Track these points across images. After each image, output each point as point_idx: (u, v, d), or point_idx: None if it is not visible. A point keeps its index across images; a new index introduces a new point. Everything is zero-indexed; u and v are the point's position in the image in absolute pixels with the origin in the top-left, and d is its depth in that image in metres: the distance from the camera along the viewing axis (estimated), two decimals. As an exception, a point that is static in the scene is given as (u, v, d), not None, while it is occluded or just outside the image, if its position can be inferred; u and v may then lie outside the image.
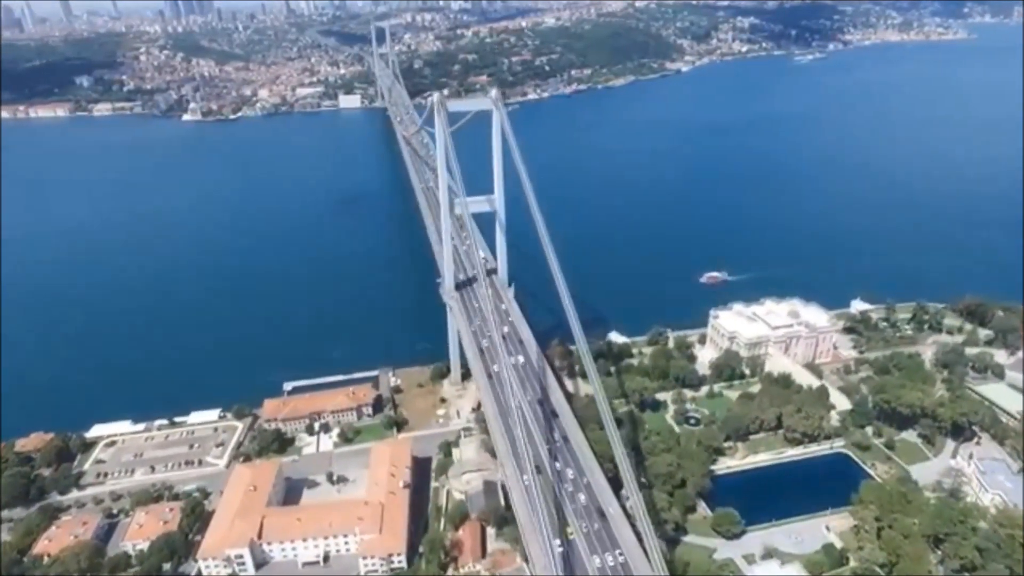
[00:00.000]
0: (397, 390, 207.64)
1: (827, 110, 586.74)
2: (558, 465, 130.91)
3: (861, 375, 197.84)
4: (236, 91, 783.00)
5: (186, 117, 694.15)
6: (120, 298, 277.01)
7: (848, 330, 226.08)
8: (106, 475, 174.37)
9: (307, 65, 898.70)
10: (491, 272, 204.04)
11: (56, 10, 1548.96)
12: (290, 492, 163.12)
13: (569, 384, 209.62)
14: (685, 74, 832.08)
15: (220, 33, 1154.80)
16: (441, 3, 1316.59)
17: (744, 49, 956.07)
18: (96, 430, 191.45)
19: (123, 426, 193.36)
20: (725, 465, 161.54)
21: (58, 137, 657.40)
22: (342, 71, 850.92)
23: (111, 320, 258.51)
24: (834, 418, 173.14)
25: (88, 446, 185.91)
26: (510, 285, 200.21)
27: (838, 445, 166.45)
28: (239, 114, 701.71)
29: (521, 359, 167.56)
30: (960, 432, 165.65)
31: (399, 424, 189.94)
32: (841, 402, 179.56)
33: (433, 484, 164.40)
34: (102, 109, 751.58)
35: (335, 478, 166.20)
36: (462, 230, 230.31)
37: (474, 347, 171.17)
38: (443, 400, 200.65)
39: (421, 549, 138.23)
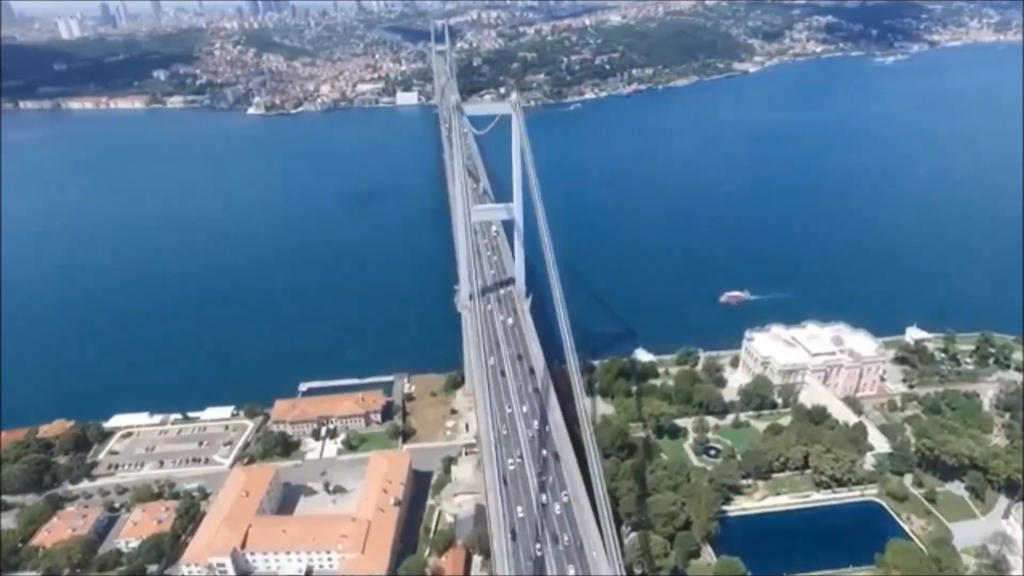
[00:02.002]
0: (409, 397, 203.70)
1: (898, 117, 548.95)
2: (544, 497, 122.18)
3: (907, 413, 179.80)
4: (300, 87, 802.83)
5: (250, 111, 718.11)
6: (153, 291, 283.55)
7: (900, 360, 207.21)
8: (117, 467, 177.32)
9: (370, 61, 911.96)
10: (509, 282, 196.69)
11: (147, 7, 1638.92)
12: (286, 499, 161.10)
13: (586, 402, 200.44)
14: (752, 75, 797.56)
15: (292, 29, 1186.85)
16: (508, 1, 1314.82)
17: (819, 49, 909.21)
18: (115, 420, 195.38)
19: (140, 418, 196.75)
20: (740, 506, 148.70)
21: (125, 128, 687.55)
22: (403, 68, 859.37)
23: (142, 312, 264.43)
24: (869, 461, 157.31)
25: (106, 436, 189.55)
26: (528, 296, 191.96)
27: (870, 493, 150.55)
28: (300, 109, 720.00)
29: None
30: (1016, 489, 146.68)
31: (405, 434, 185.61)
32: (880, 443, 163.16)
33: (429, 501, 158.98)
34: (175, 101, 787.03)
35: (332, 487, 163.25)
36: (489, 237, 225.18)
37: (480, 361, 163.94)
38: (454, 411, 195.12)
39: (401, 572, 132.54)
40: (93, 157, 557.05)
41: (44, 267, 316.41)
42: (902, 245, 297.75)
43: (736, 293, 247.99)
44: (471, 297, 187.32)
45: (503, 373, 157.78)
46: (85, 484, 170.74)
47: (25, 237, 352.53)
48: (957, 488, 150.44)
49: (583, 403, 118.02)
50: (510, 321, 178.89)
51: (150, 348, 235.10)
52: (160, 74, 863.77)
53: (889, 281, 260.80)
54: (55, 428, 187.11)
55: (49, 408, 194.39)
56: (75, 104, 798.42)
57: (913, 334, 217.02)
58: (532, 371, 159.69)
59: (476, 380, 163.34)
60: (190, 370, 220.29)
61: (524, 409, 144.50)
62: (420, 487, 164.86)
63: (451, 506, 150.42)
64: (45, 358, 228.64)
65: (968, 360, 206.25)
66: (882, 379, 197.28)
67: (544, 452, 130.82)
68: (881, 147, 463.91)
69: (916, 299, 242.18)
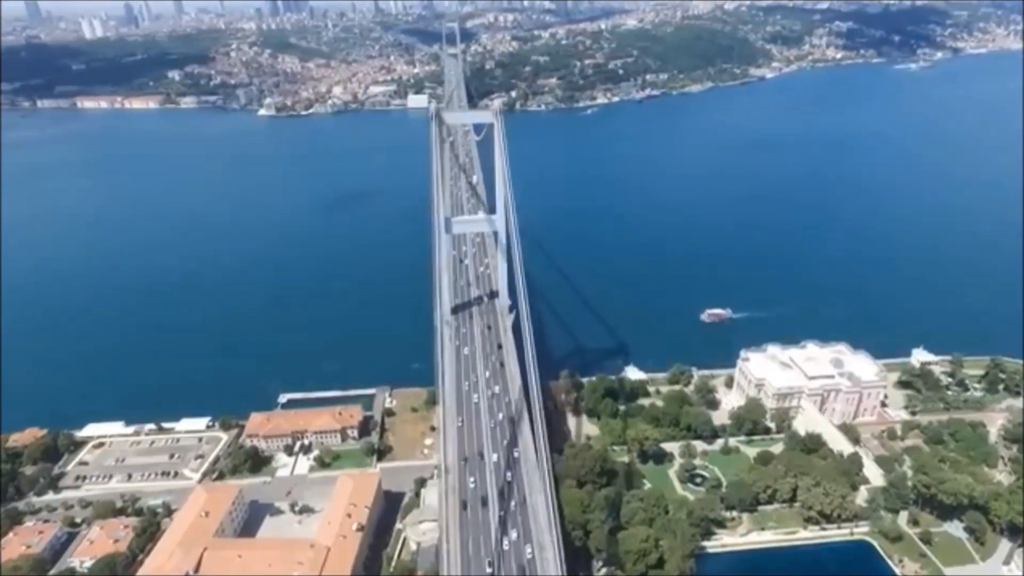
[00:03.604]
0: (390, 412, 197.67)
1: (915, 126, 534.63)
2: (507, 532, 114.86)
3: (908, 443, 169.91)
4: (312, 88, 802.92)
5: (260, 112, 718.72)
6: (139, 296, 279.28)
7: (904, 384, 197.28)
8: (84, 479, 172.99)
9: (385, 64, 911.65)
10: (492, 296, 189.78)
11: (170, 8, 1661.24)
12: (251, 518, 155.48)
13: (572, 422, 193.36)
14: (769, 81, 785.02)
15: (310, 31, 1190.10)
16: (526, 3, 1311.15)
17: (839, 56, 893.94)
18: (89, 429, 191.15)
19: (115, 427, 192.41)
20: (721, 542, 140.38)
21: (131, 127, 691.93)
22: (416, 70, 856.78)
23: (127, 317, 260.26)
24: (863, 496, 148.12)
25: (78, 446, 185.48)
26: (511, 311, 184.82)
27: (861, 531, 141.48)
28: (310, 110, 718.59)
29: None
30: (1019, 532, 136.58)
31: (381, 452, 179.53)
32: (876, 476, 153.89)
33: (397, 526, 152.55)
34: (188, 102, 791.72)
35: (298, 508, 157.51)
36: (478, 249, 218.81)
37: (452, 380, 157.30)
38: (433, 428, 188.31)
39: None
40: (90, 158, 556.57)
41: (29, 270, 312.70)
42: (911, 260, 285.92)
43: (718, 311, 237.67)
44: (456, 309, 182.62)
45: (476, 391, 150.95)
46: (50, 497, 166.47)
47: (10, 241, 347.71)
48: (956, 528, 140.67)
49: (538, 417, 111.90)
50: (489, 336, 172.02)
51: (133, 355, 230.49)
52: (175, 74, 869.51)
53: (897, 299, 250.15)
54: (26, 436, 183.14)
55: (27, 415, 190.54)
56: (90, 103, 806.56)
57: (919, 356, 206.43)
58: (508, 391, 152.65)
59: (443, 403, 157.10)
60: (172, 378, 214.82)
61: (494, 438, 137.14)
62: (392, 509, 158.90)
63: (415, 533, 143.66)
64: (27, 364, 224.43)
65: (977, 386, 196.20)
66: (883, 404, 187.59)
67: (512, 481, 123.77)
68: (893, 157, 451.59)
69: (924, 319, 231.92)
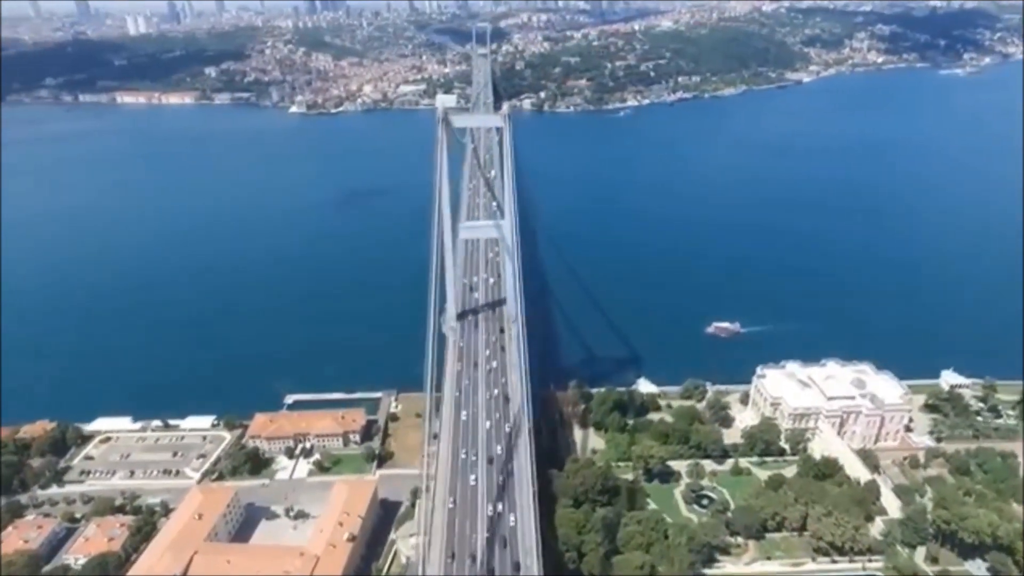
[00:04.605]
0: (394, 417, 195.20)
1: (952, 133, 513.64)
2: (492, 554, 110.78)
3: (931, 472, 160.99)
4: (343, 86, 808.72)
5: (292, 109, 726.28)
6: (153, 292, 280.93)
7: (930, 408, 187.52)
8: (89, 473, 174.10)
9: (417, 63, 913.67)
10: (499, 303, 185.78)
11: (212, 6, 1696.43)
12: (246, 522, 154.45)
13: (579, 435, 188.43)
14: (805, 85, 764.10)
15: (344, 29, 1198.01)
16: (560, 3, 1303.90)
17: (880, 60, 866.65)
18: (97, 424, 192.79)
19: (123, 423, 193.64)
20: (723, 570, 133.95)
21: (162, 123, 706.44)
22: (447, 70, 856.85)
23: (141, 313, 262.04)
24: (878, 527, 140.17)
25: (86, 440, 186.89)
26: (515, 320, 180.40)
27: (874, 566, 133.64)
28: (340, 108, 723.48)
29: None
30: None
31: (382, 458, 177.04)
32: (894, 507, 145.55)
33: (392, 536, 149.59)
34: (222, 98, 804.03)
35: (294, 512, 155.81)
36: (488, 253, 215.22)
37: (452, 390, 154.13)
38: (436, 436, 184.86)
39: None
40: (117, 154, 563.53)
41: (45, 266, 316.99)
42: (944, 273, 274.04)
43: (725, 324, 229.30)
44: (462, 315, 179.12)
45: (476, 402, 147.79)
46: (54, 490, 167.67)
47: (23, 234, 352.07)
48: (978, 569, 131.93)
49: (526, 414, 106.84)
50: (494, 345, 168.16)
51: (144, 350, 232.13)
52: (211, 71, 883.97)
53: (925, 315, 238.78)
54: (35, 429, 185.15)
55: (38, 407, 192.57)
56: (129, 98, 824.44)
57: (949, 379, 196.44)
58: (509, 404, 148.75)
59: (445, 403, 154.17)
60: (181, 375, 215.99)
61: (490, 447, 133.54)
62: (388, 518, 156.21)
63: (406, 546, 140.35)
64: (39, 356, 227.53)
65: (1010, 412, 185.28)
66: (907, 429, 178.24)
67: (503, 501, 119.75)
68: (925, 164, 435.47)
69: (955, 338, 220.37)
